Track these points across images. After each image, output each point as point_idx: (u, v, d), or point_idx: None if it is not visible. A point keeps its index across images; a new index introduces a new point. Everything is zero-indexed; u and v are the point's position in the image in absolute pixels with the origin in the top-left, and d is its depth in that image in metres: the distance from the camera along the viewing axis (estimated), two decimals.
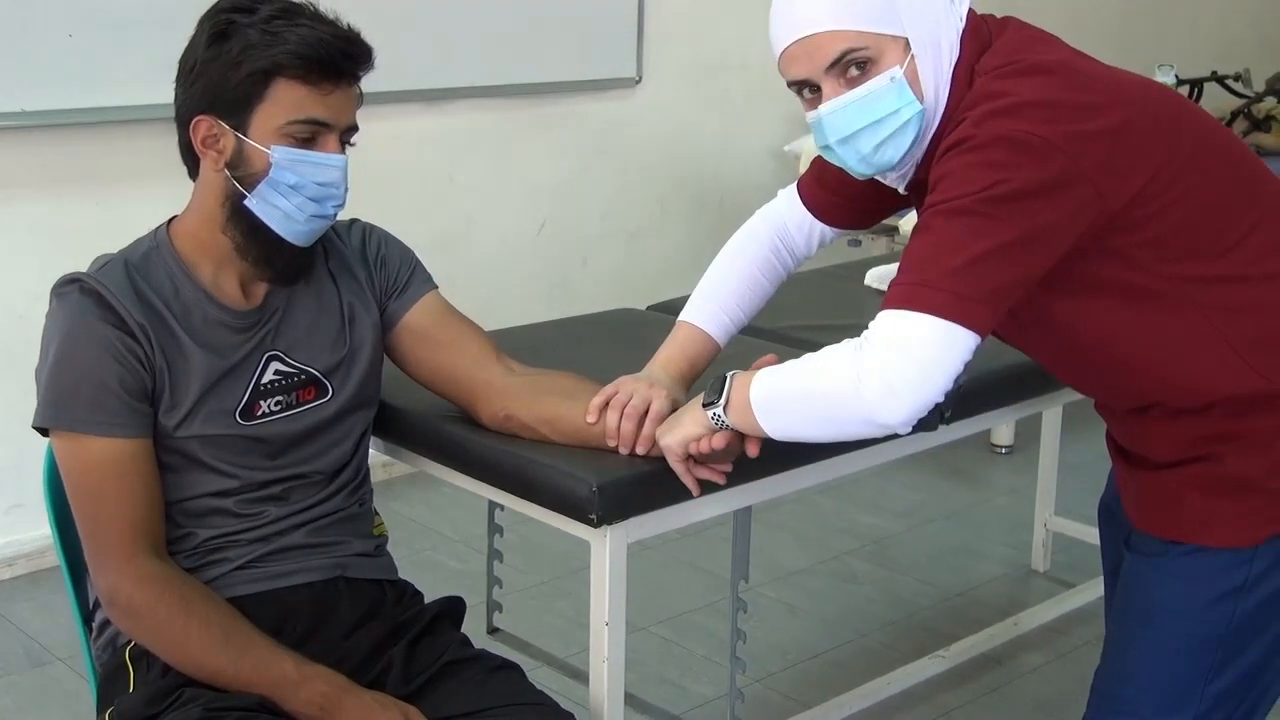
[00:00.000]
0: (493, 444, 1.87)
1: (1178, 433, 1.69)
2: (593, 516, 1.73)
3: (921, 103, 1.60)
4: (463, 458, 1.92)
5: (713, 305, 1.92)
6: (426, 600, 1.93)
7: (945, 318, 1.48)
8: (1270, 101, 4.80)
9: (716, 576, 3.24)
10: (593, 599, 1.79)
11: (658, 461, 1.77)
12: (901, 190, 1.73)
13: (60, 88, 3.20)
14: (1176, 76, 4.61)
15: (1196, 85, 4.77)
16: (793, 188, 2.00)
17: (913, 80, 1.59)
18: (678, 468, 1.73)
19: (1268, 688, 1.76)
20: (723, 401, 1.65)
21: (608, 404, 1.79)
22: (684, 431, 1.70)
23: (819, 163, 1.89)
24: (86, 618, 1.84)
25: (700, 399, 1.69)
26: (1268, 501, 1.67)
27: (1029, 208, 1.50)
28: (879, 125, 1.60)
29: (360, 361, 1.87)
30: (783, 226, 1.98)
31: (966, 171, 1.51)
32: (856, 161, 1.64)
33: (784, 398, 1.61)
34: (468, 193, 4.05)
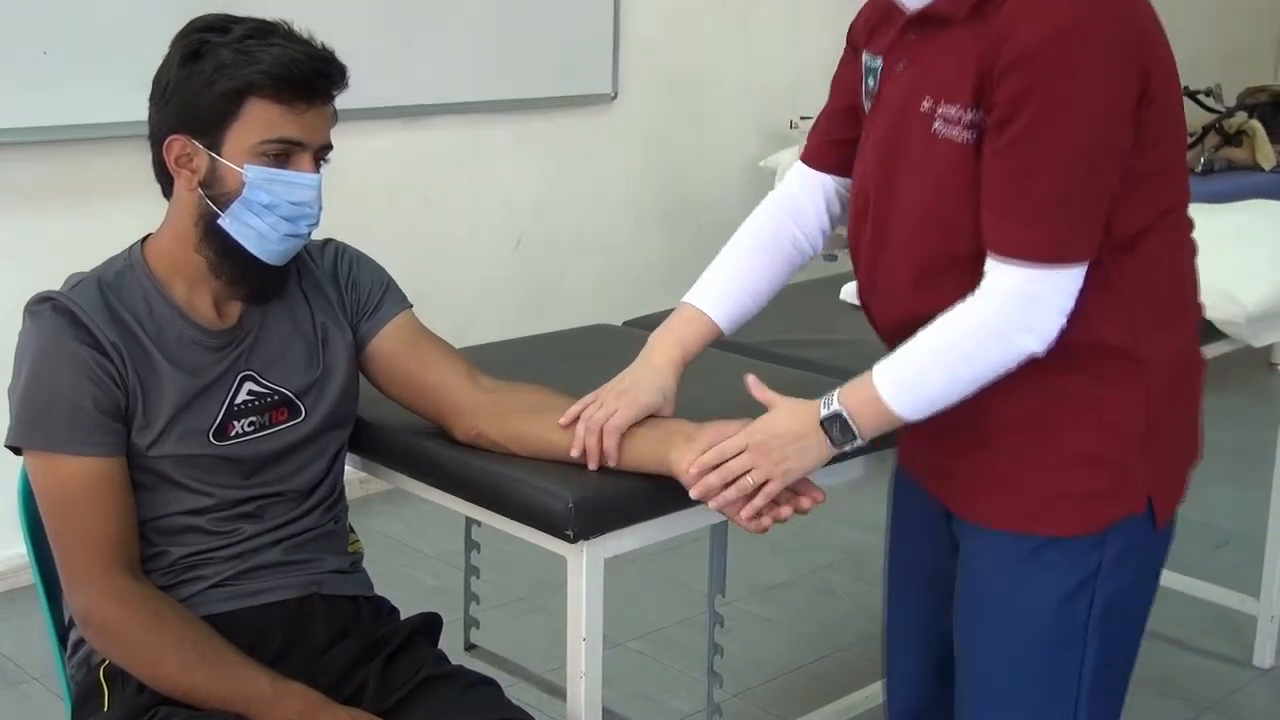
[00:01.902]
0: (468, 459, 1.87)
1: (1033, 381, 1.60)
2: (569, 532, 1.72)
3: None
4: (438, 473, 1.92)
5: (717, 288, 1.87)
6: (403, 616, 1.92)
7: (1073, 263, 1.54)
8: (1241, 116, 4.85)
9: (693, 591, 3.23)
10: (570, 615, 1.78)
11: (633, 476, 1.77)
12: (914, 7, 1.63)
13: (35, 104, 3.19)
14: None
15: None
16: (797, 164, 1.94)
17: None
18: (780, 512, 1.68)
19: (1132, 660, 1.77)
20: (857, 434, 1.63)
21: (580, 414, 1.78)
22: (803, 466, 1.66)
23: (819, 119, 1.89)
24: (61, 636, 1.83)
25: (798, 433, 1.64)
26: (1112, 480, 1.65)
27: (1120, 130, 1.53)
28: None
29: (334, 382, 1.86)
30: (793, 203, 1.91)
31: (1056, 102, 1.50)
32: None
33: (936, 392, 1.61)
34: (444, 209, 4.05)
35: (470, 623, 2.52)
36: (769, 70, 4.68)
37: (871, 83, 1.72)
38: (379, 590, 1.95)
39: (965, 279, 1.58)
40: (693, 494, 1.68)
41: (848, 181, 1.86)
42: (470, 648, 2.52)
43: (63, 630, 1.83)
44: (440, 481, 1.92)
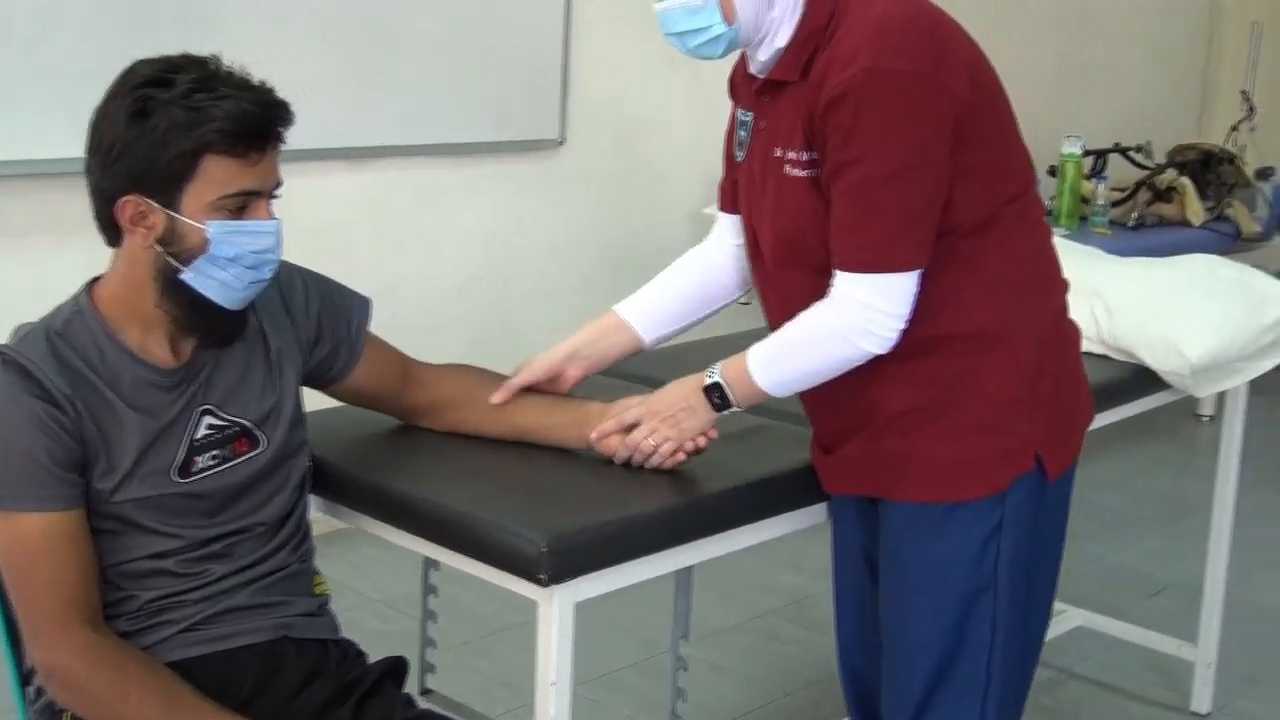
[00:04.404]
0: (435, 499, 1.87)
1: (912, 373, 1.85)
2: (541, 576, 1.73)
3: (730, 24, 1.82)
4: (403, 515, 1.91)
5: (638, 301, 2.13)
6: (369, 659, 1.92)
7: (899, 270, 1.78)
8: (1171, 173, 4.96)
9: (638, 634, 3.25)
10: (539, 659, 1.78)
11: (607, 519, 1.79)
12: (761, 75, 1.89)
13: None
14: (1083, 148, 4.74)
15: (1100, 156, 4.92)
16: (718, 212, 2.16)
17: (726, 5, 1.82)
18: (676, 458, 1.92)
19: (1038, 613, 2.00)
20: (733, 401, 1.89)
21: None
22: (693, 427, 1.92)
23: (724, 168, 2.09)
24: (23, 679, 1.80)
25: (686, 399, 1.90)
26: (1002, 444, 1.87)
27: (931, 150, 1.75)
28: (696, 33, 1.85)
29: (286, 408, 1.86)
30: (716, 243, 2.15)
31: (864, 134, 1.74)
32: (684, 51, 1.89)
33: (791, 376, 1.88)
34: (392, 252, 4.04)
35: (427, 668, 2.50)
36: (713, 119, 4.71)
37: (744, 134, 1.97)
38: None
39: (822, 290, 1.83)
40: (598, 451, 1.97)
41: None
42: (426, 692, 2.50)
43: (24, 673, 1.80)
44: (406, 523, 1.91)
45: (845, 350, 1.82)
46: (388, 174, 3.98)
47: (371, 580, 3.53)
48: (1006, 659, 1.92)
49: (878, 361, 1.83)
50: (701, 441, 1.92)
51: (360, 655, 1.93)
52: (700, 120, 4.63)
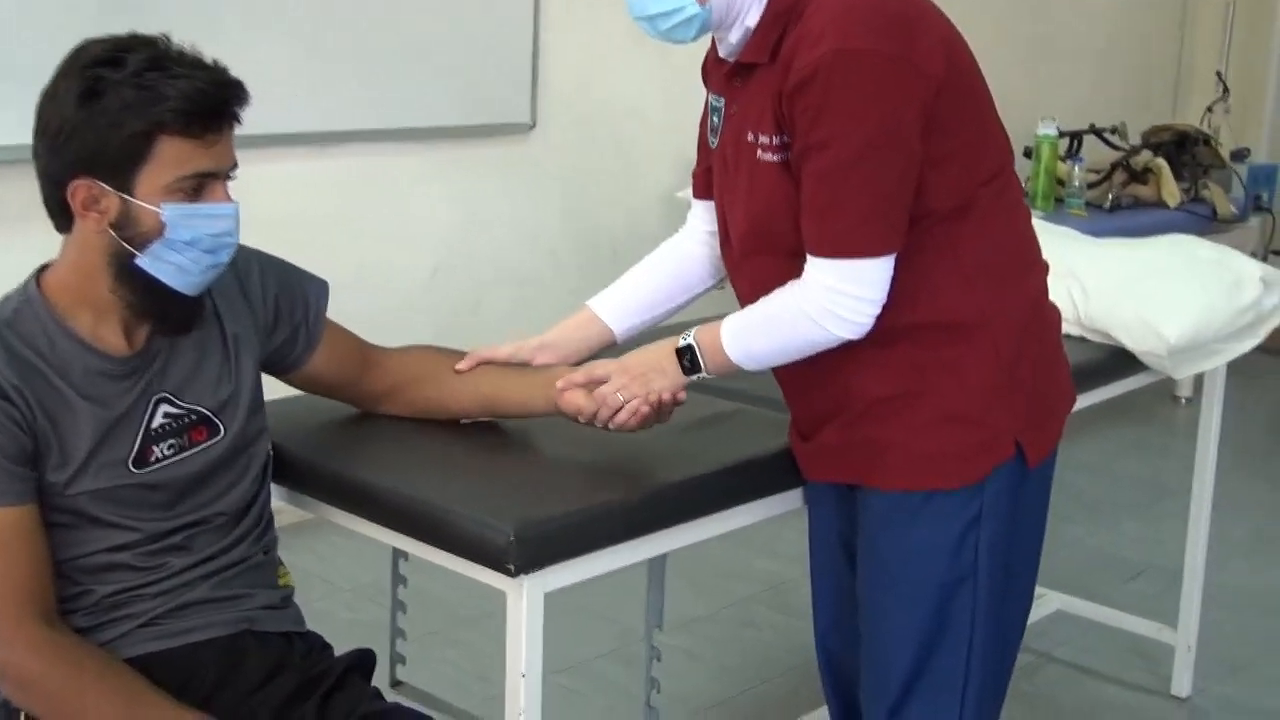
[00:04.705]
0: (400, 488, 1.83)
1: (888, 360, 1.82)
2: (510, 566, 1.69)
3: (703, 5, 1.78)
4: (368, 504, 1.87)
5: (613, 296, 2.11)
6: (335, 652, 1.87)
7: (869, 255, 1.73)
8: (1147, 155, 4.95)
9: (612, 622, 3.21)
10: (509, 650, 1.74)
11: (576, 508, 1.75)
12: (731, 58, 1.85)
13: None
14: (1058, 129, 4.72)
15: (1076, 137, 4.89)
16: (692, 199, 2.13)
17: None
18: (641, 412, 1.87)
19: (1019, 601, 1.98)
20: (703, 366, 1.86)
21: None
22: (662, 386, 1.87)
23: (698, 154, 2.04)
24: None
25: (658, 360, 1.87)
26: (979, 434, 1.83)
27: (902, 131, 1.70)
28: (667, 15, 1.80)
29: (244, 395, 1.82)
30: (691, 231, 2.12)
31: (832, 116, 1.69)
32: (655, 35, 1.84)
33: (762, 350, 1.84)
34: (357, 238, 3.99)
35: (397, 659, 2.46)
36: (686, 103, 4.67)
37: (716, 120, 1.92)
38: None
39: (794, 275, 1.79)
40: (561, 406, 1.92)
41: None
42: (396, 684, 2.46)
43: None
44: (371, 512, 1.87)
45: (815, 333, 1.78)
46: (351, 160, 3.92)
47: (339, 569, 3.49)
48: (986, 649, 1.89)
49: (855, 347, 1.79)
50: (666, 397, 1.87)
51: (326, 648, 1.89)
52: (673, 104, 4.59)
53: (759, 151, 1.80)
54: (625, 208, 4.62)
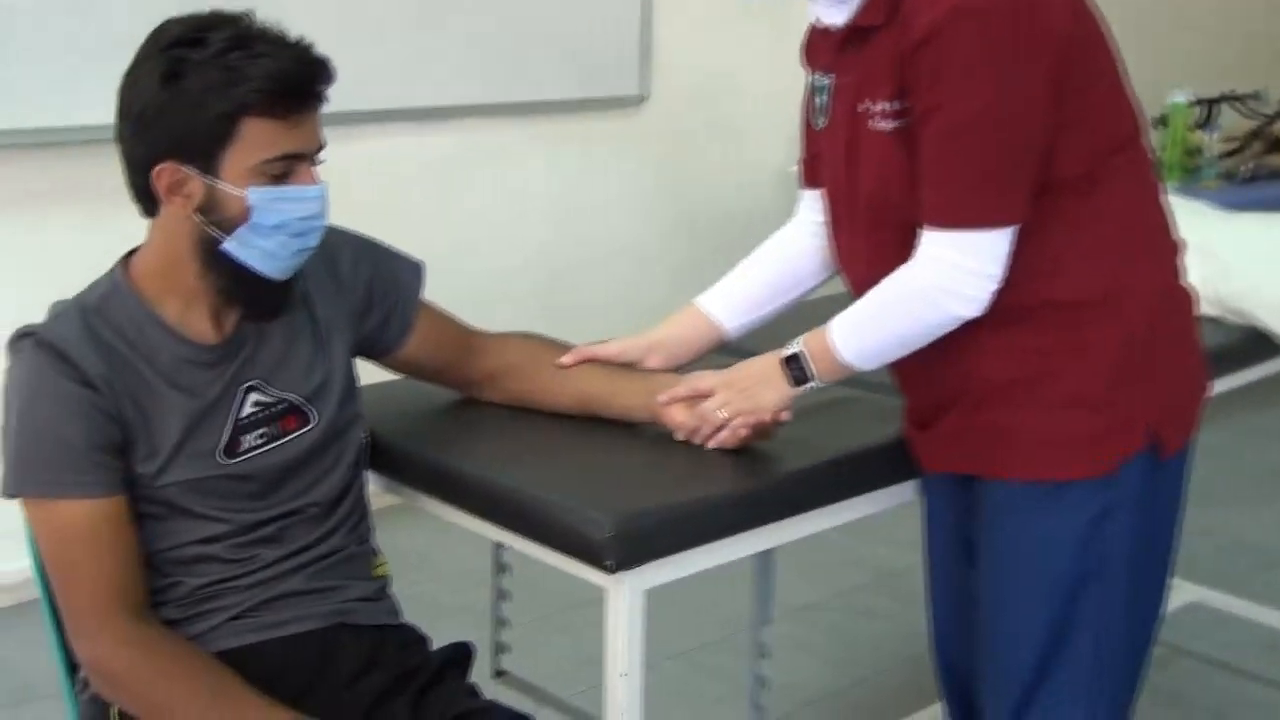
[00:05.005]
0: (496, 478, 1.77)
1: (1011, 342, 1.72)
2: (608, 562, 1.62)
3: None
4: (465, 495, 1.81)
5: (722, 291, 2.01)
6: (429, 643, 1.83)
7: (988, 226, 1.64)
8: None
9: (723, 610, 3.13)
10: (608, 649, 1.68)
11: (677, 501, 1.68)
12: (835, 25, 1.76)
13: (44, 105, 3.09)
14: (1192, 97, 4.53)
15: (1210, 105, 4.69)
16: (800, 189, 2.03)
17: None
18: (740, 434, 1.78)
19: (1150, 598, 1.85)
20: (813, 374, 1.76)
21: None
22: (768, 401, 1.78)
23: (802, 141, 1.96)
24: (70, 665, 1.73)
25: (764, 373, 1.78)
26: (1108, 420, 1.72)
27: (1028, 92, 1.61)
28: None
29: (335, 382, 1.77)
30: (803, 221, 2.01)
31: (952, 77, 1.61)
32: None
33: (876, 344, 1.75)
34: (461, 215, 3.95)
35: (499, 648, 2.41)
36: (799, 74, 4.58)
37: (822, 99, 1.83)
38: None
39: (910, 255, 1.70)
40: (663, 419, 1.85)
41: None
42: (499, 674, 2.41)
43: (72, 659, 1.73)
44: (466, 503, 1.82)
45: (931, 313, 1.68)
46: (457, 135, 3.88)
47: (441, 552, 3.45)
48: (1116, 648, 1.79)
49: (974, 330, 1.70)
50: (767, 418, 1.78)
51: (422, 641, 1.84)
52: (784, 75, 4.48)
53: (871, 120, 1.71)
54: (736, 181, 4.52)
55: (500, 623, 2.39)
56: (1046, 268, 1.69)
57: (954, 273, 1.65)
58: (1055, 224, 1.69)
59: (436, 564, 3.41)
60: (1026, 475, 1.75)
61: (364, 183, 3.35)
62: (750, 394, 1.79)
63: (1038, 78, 1.61)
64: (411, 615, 1.88)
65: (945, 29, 1.59)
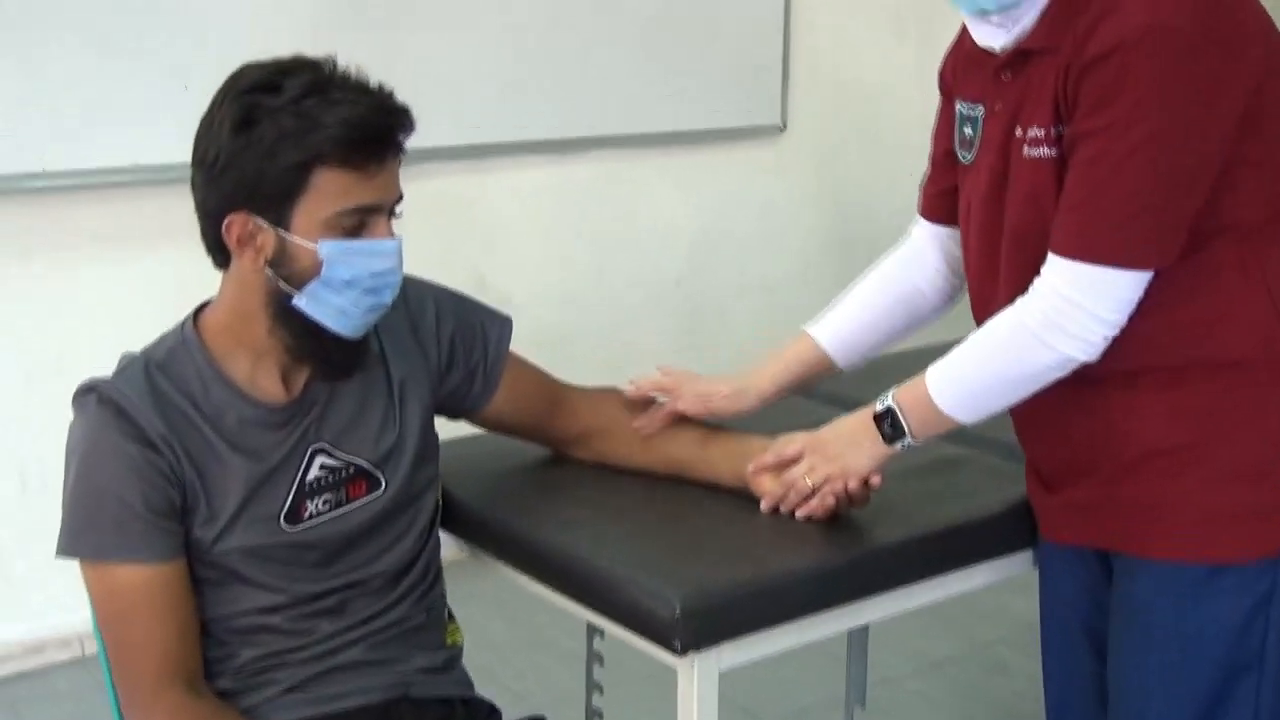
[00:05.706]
0: (565, 548, 1.68)
1: (1171, 404, 1.56)
2: (676, 643, 1.52)
3: None
4: (534, 561, 1.73)
5: (832, 320, 1.90)
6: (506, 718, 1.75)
7: (1118, 265, 1.48)
8: None
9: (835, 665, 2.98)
10: None
11: (751, 578, 1.57)
12: (998, 48, 1.61)
13: (176, 141, 3.10)
14: None
15: None
16: (917, 217, 1.94)
17: None
18: (827, 504, 1.67)
19: None
20: (907, 429, 1.63)
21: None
22: (857, 465, 1.67)
23: (928, 169, 1.87)
24: None
25: (854, 432, 1.67)
26: (1276, 495, 1.55)
27: (1203, 126, 1.46)
28: None
29: (409, 445, 1.69)
30: (914, 252, 1.91)
31: (1123, 100, 1.46)
32: (995, 7, 1.58)
33: (977, 393, 1.60)
34: (597, 245, 3.87)
35: (593, 713, 2.29)
36: None
37: (969, 131, 1.70)
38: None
39: None
40: (753, 488, 1.75)
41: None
42: None
43: None
44: (535, 571, 1.73)
45: (1038, 353, 1.52)
46: (592, 166, 3.81)
47: (524, 617, 3.29)
48: None
49: (1125, 387, 1.56)
50: (853, 484, 1.67)
51: (494, 714, 1.75)
52: (932, 92, 4.33)
53: (1026, 148, 1.57)
54: (883, 205, 4.36)
55: (595, 714, 2.24)
56: (1219, 320, 1.54)
57: (1066, 307, 1.50)
58: (1231, 271, 1.53)
59: (515, 628, 3.27)
60: (1179, 557, 1.58)
61: (503, 212, 3.31)
62: (838, 458, 1.68)
63: (1221, 110, 1.46)
64: (484, 685, 1.79)
65: (1129, 45, 1.44)
